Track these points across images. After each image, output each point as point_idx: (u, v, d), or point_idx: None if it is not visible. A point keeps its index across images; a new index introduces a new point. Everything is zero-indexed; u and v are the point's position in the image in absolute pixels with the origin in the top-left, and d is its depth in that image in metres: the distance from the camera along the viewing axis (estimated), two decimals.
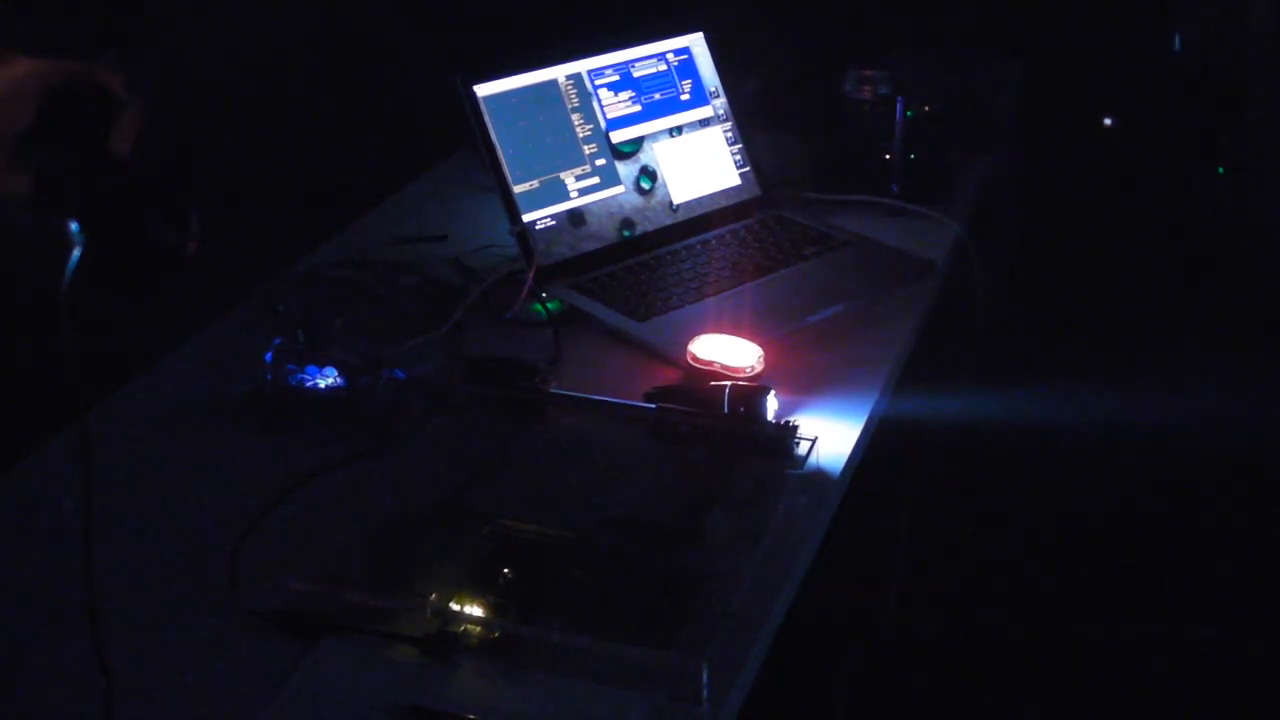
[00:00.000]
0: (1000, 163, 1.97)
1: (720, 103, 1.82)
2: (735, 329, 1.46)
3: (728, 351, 1.43)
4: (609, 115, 1.73)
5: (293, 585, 1.11)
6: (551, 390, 1.41)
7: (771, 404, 1.34)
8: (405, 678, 1.05)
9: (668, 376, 1.44)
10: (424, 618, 1.09)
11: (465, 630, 1.08)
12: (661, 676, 1.03)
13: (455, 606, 1.11)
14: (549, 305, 1.58)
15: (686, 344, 1.44)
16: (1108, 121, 2.08)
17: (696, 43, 1.82)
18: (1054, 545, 2.28)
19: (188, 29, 1.68)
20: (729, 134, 1.81)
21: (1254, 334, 2.11)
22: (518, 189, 1.64)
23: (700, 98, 1.81)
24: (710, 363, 1.42)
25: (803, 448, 1.30)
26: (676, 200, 1.75)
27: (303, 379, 1.40)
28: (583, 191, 1.69)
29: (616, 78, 1.74)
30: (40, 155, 0.87)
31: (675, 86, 1.79)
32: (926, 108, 1.85)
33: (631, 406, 1.38)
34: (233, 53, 1.75)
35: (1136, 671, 2.15)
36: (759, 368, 1.42)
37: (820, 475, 1.29)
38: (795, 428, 1.32)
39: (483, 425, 1.36)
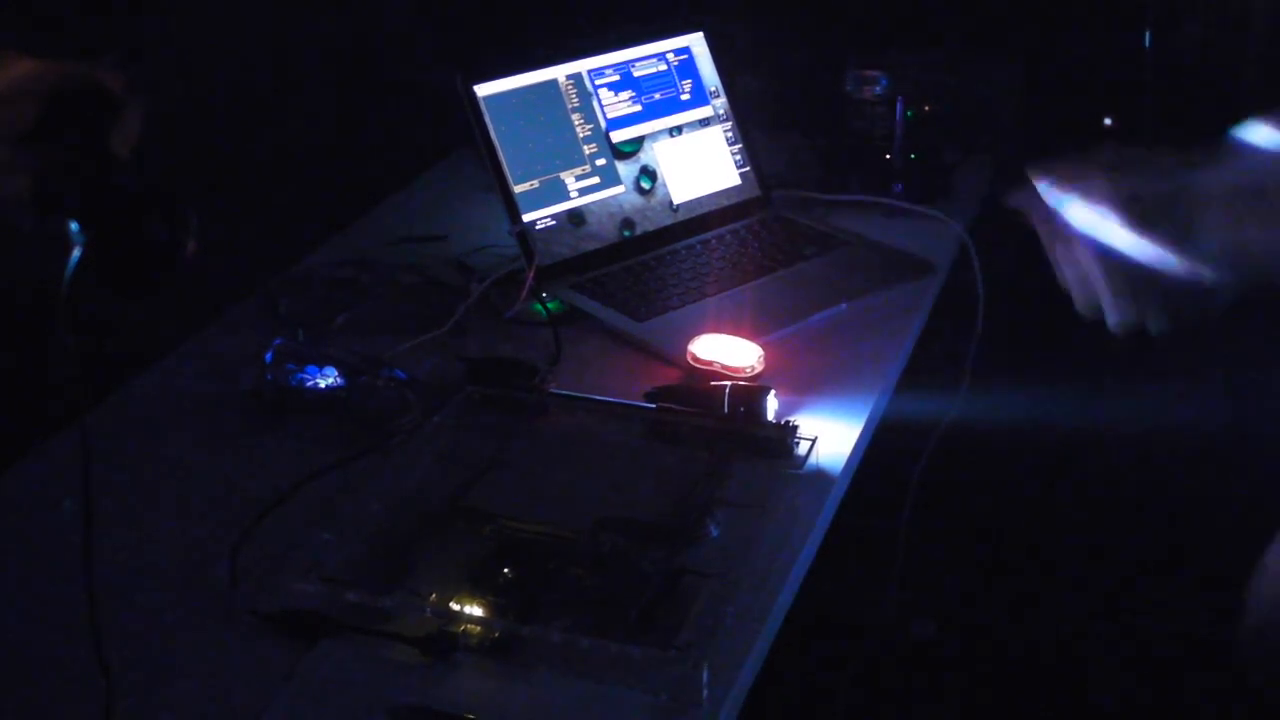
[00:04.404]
0: (1000, 162, 1.96)
1: (720, 103, 1.82)
2: (735, 329, 1.46)
3: (728, 351, 1.43)
4: (609, 115, 1.73)
5: (293, 585, 1.11)
6: (551, 390, 1.41)
7: (771, 404, 1.34)
8: (405, 678, 1.05)
9: (668, 376, 1.44)
10: (424, 618, 1.09)
11: (465, 630, 1.08)
12: (661, 676, 1.03)
13: (455, 606, 1.11)
14: (549, 305, 1.58)
15: (686, 344, 1.44)
16: (1108, 121, 2.08)
17: (696, 42, 1.82)
18: (1055, 545, 2.28)
19: (187, 29, 1.68)
20: (729, 134, 1.81)
21: (1257, 335, 2.11)
22: (518, 189, 1.64)
23: (700, 97, 1.81)
24: (710, 363, 1.42)
25: (803, 448, 1.30)
26: (677, 200, 1.75)
27: (303, 379, 1.40)
28: (583, 191, 1.68)
29: (617, 77, 1.74)
30: (40, 155, 0.87)
31: (675, 86, 1.79)
32: (926, 108, 1.85)
33: (631, 406, 1.38)
34: (232, 53, 1.75)
35: (1137, 672, 2.15)
36: (759, 368, 1.42)
37: (820, 475, 1.29)
38: (795, 428, 1.32)
39: (483, 425, 1.36)
